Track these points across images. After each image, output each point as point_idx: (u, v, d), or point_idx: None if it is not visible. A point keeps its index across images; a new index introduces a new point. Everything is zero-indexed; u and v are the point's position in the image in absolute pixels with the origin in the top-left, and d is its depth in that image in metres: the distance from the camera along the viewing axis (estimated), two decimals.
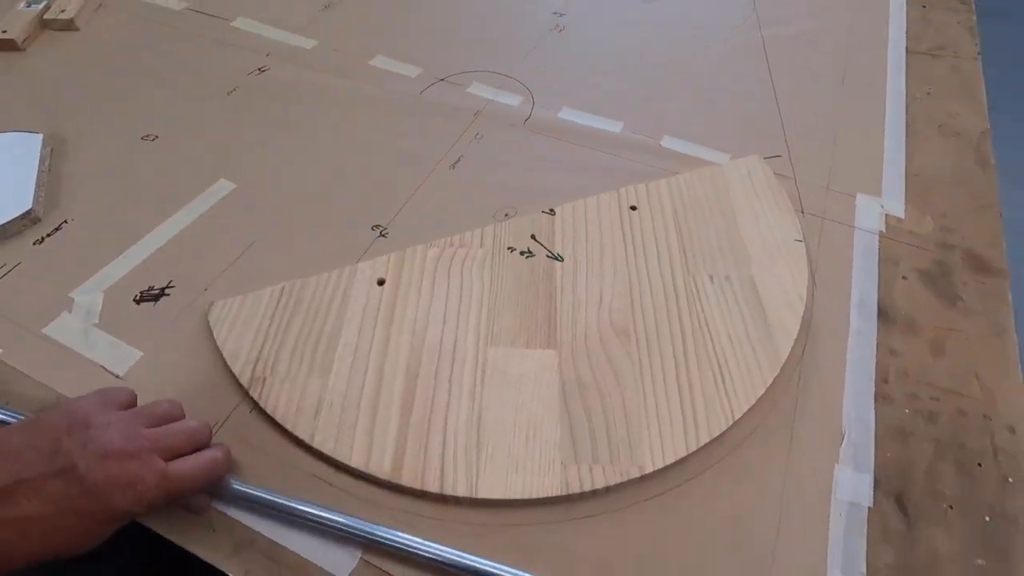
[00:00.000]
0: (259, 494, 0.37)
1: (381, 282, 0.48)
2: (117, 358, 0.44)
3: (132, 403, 0.37)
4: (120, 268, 0.50)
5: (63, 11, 0.74)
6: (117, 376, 0.43)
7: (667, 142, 0.63)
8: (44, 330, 0.46)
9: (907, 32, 0.79)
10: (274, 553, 0.36)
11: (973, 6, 0.84)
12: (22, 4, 0.75)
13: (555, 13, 0.80)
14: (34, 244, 0.52)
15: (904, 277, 0.52)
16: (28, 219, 0.52)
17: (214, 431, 0.40)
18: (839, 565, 0.37)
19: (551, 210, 0.54)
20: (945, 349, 0.47)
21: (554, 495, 0.37)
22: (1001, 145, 0.65)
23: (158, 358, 0.45)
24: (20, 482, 0.29)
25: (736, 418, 0.41)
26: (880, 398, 0.44)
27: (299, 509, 0.36)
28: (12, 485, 0.29)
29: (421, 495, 0.38)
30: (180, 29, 0.76)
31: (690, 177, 0.57)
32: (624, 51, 0.75)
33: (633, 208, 0.54)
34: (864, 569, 0.37)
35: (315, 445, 0.39)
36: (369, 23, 0.78)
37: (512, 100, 0.67)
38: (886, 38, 0.78)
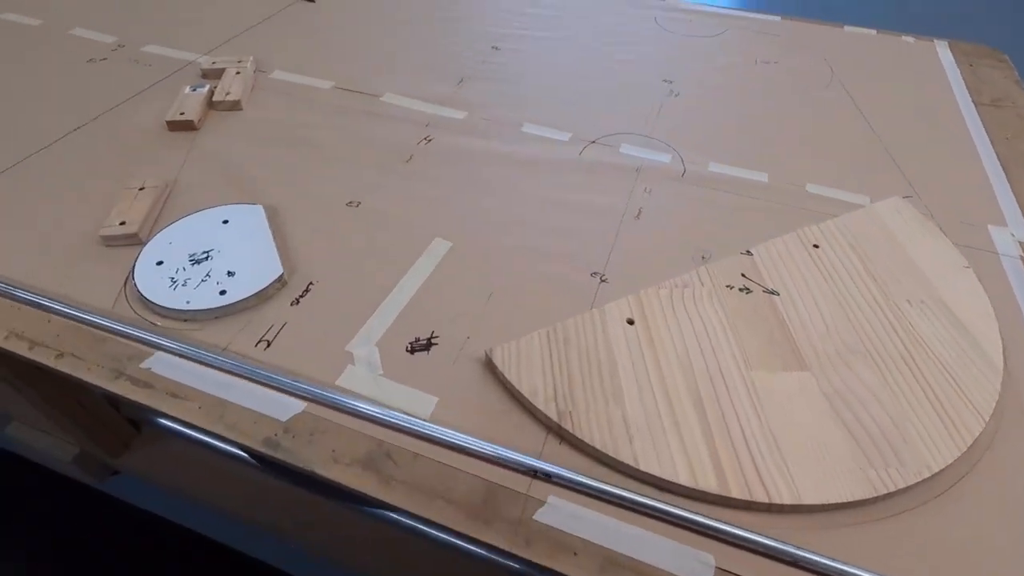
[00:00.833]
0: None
1: (631, 321, 0.53)
2: (417, 403, 0.48)
3: None
4: (380, 323, 0.54)
5: (228, 93, 0.80)
6: (424, 420, 0.47)
7: (812, 188, 0.71)
8: (338, 382, 0.49)
9: (967, 87, 0.91)
10: (638, 568, 0.40)
11: (1010, 61, 0.98)
12: (187, 88, 0.80)
13: (665, 81, 0.90)
14: (291, 305, 0.55)
15: None
16: (279, 282, 0.56)
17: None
18: None
19: (748, 251, 0.61)
20: None
21: (864, 498, 0.42)
22: None
23: (452, 401, 0.48)
24: None
25: (986, 420, 0.47)
26: None
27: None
28: None
29: (747, 506, 0.42)
30: (334, 105, 0.82)
31: (854, 217, 0.65)
32: (741, 110, 0.84)
33: (816, 246, 0.61)
34: None
35: (641, 468, 0.43)
36: (507, 95, 0.86)
37: (663, 157, 0.75)
38: (952, 92, 0.90)
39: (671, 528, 0.42)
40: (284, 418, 0.47)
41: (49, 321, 0.53)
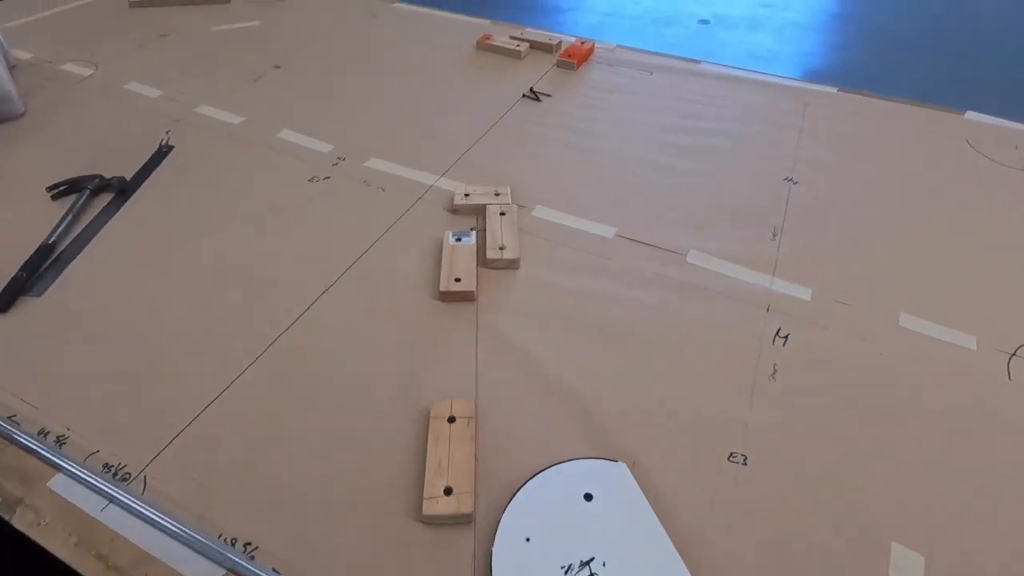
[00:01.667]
0: None
1: None
2: None
3: None
4: None
5: (502, 248, 0.62)
6: None
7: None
8: None
9: None
10: None
11: None
12: (450, 238, 0.63)
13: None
14: None
15: None
16: None
17: None
18: None
19: None
20: None
21: None
22: None
23: None
24: None
25: None
26: None
27: None
28: None
29: None
30: (628, 267, 0.64)
31: None
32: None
33: None
34: None
35: None
36: (826, 258, 0.66)
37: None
38: None
39: None
40: None
41: None
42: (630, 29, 2.90)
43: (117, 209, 0.69)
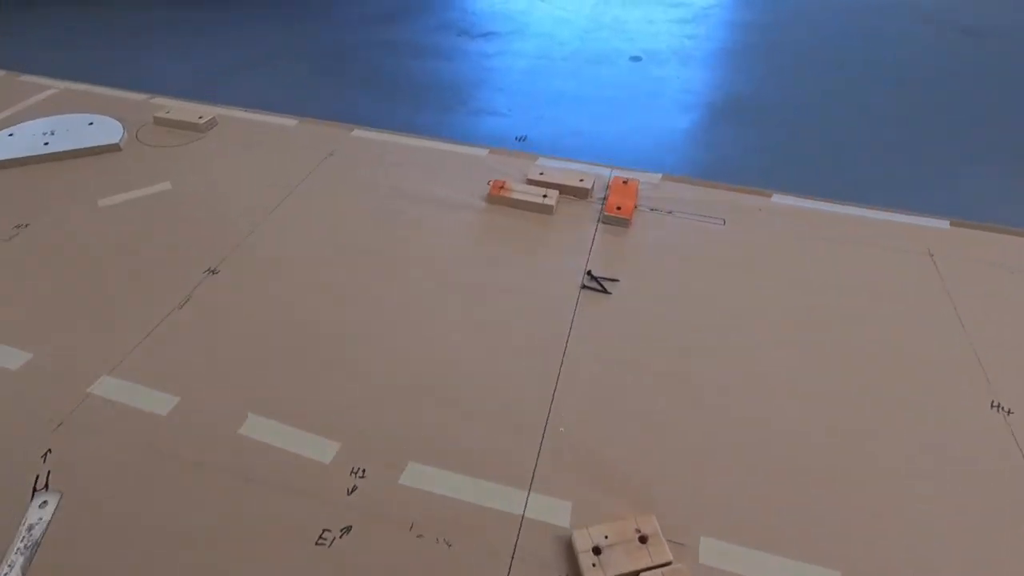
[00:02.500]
0: None
1: None
2: None
3: None
4: None
5: None
6: None
7: None
8: None
9: None
10: None
11: None
12: None
13: None
14: None
15: None
16: None
17: None
18: None
19: None
20: None
21: None
22: None
23: None
24: None
25: None
26: None
27: None
28: None
29: None
30: None
31: None
32: None
33: None
34: None
35: None
36: None
37: None
38: None
39: None
40: None
41: None
42: (566, 72, 2.72)
43: None
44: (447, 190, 0.82)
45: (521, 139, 2.37)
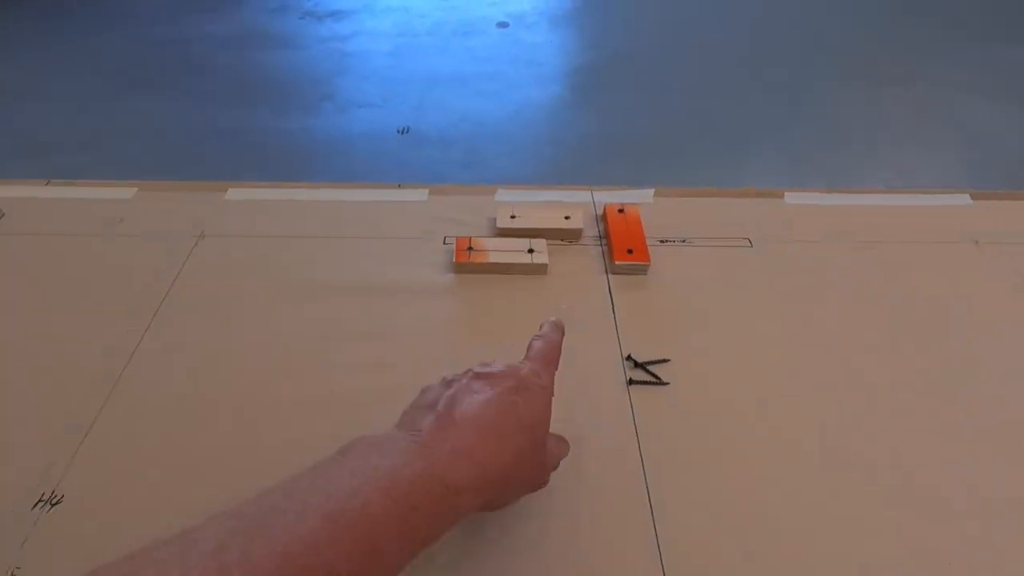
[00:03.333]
0: None
1: None
2: None
3: None
4: None
5: None
6: None
7: None
8: None
9: None
10: None
11: None
12: None
13: None
14: None
15: None
16: None
17: None
18: None
19: None
20: None
21: None
22: None
23: None
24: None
25: None
26: None
27: None
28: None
29: None
30: None
31: None
32: None
33: None
34: None
35: None
36: None
37: None
38: None
39: None
40: None
41: None
42: (433, 48, 2.45)
43: None
44: (389, 268, 0.58)
45: (404, 131, 2.09)
